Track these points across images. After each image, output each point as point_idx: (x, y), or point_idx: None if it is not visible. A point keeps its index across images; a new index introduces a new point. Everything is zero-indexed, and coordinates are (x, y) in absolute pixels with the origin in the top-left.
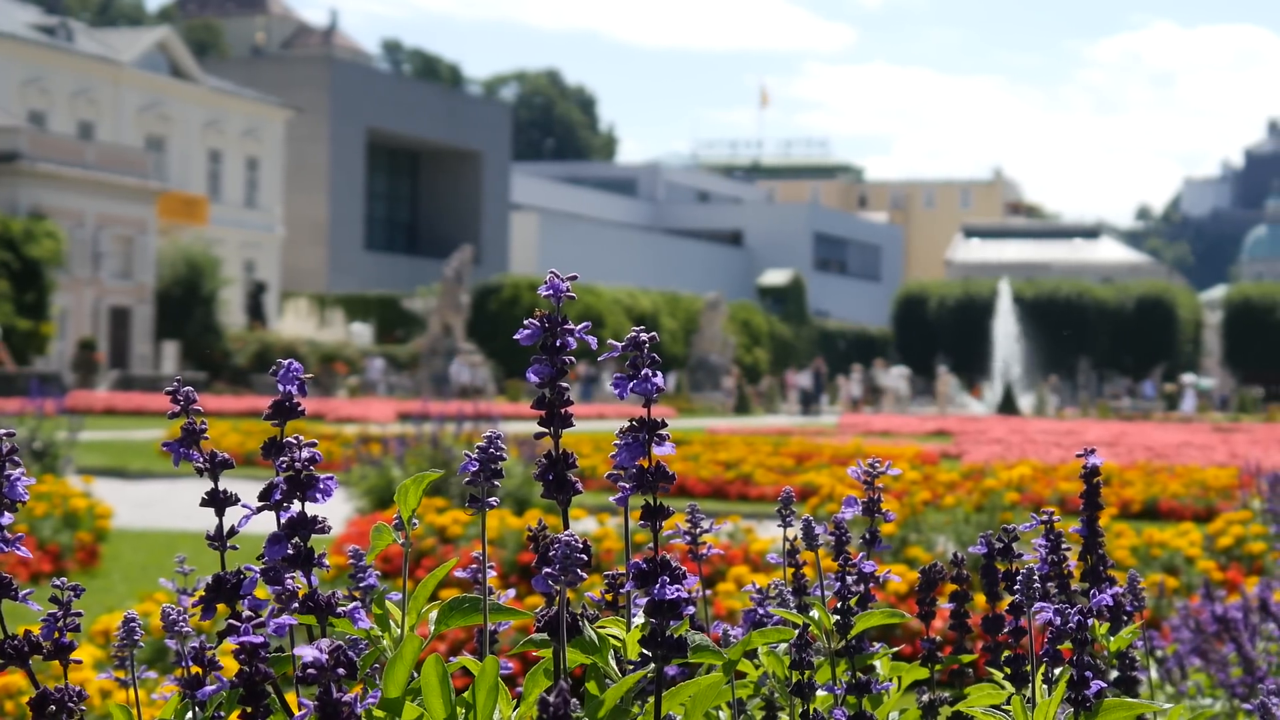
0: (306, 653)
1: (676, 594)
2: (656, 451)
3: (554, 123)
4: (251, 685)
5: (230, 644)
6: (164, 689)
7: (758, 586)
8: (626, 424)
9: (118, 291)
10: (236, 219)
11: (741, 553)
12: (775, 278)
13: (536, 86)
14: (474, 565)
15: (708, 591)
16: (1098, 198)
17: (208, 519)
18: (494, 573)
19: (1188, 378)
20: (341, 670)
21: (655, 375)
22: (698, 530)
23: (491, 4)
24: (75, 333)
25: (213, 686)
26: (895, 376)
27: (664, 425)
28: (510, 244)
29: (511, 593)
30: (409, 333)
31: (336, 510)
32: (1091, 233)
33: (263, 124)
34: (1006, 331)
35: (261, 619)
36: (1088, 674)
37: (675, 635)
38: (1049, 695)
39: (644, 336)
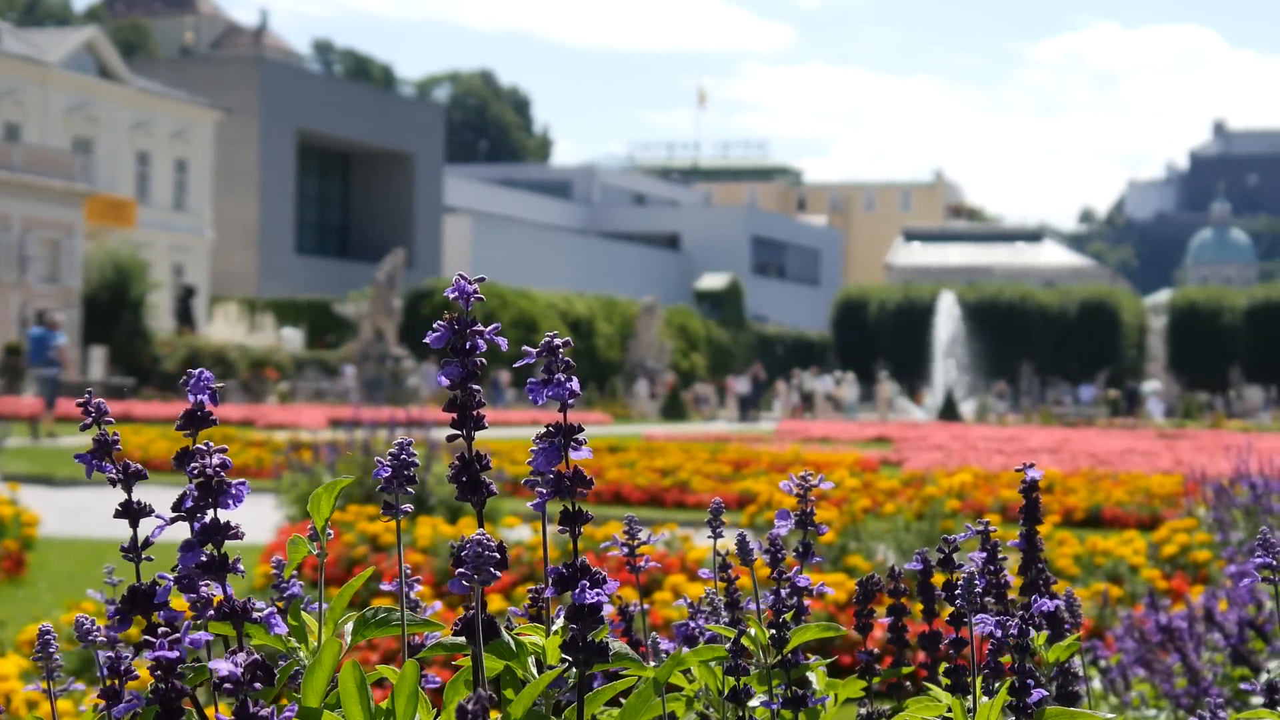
0: (221, 666)
1: (597, 598)
2: (573, 456)
3: (488, 124)
4: (167, 701)
5: (146, 658)
6: (91, 700)
7: (690, 600)
8: (543, 429)
9: (44, 295)
10: (165, 222)
11: (679, 561)
12: (712, 281)
13: (470, 87)
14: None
15: (644, 603)
16: (1040, 200)
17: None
18: (423, 584)
19: (1149, 385)
20: (258, 684)
21: (570, 380)
22: (635, 542)
23: (424, 4)
24: (0, 338)
25: (127, 704)
26: (828, 382)
27: (580, 430)
28: (443, 247)
29: (439, 605)
30: (340, 337)
31: (267, 518)
32: (1034, 236)
33: (192, 125)
34: (948, 336)
35: (177, 633)
36: (1029, 682)
37: (596, 640)
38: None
39: (558, 341)
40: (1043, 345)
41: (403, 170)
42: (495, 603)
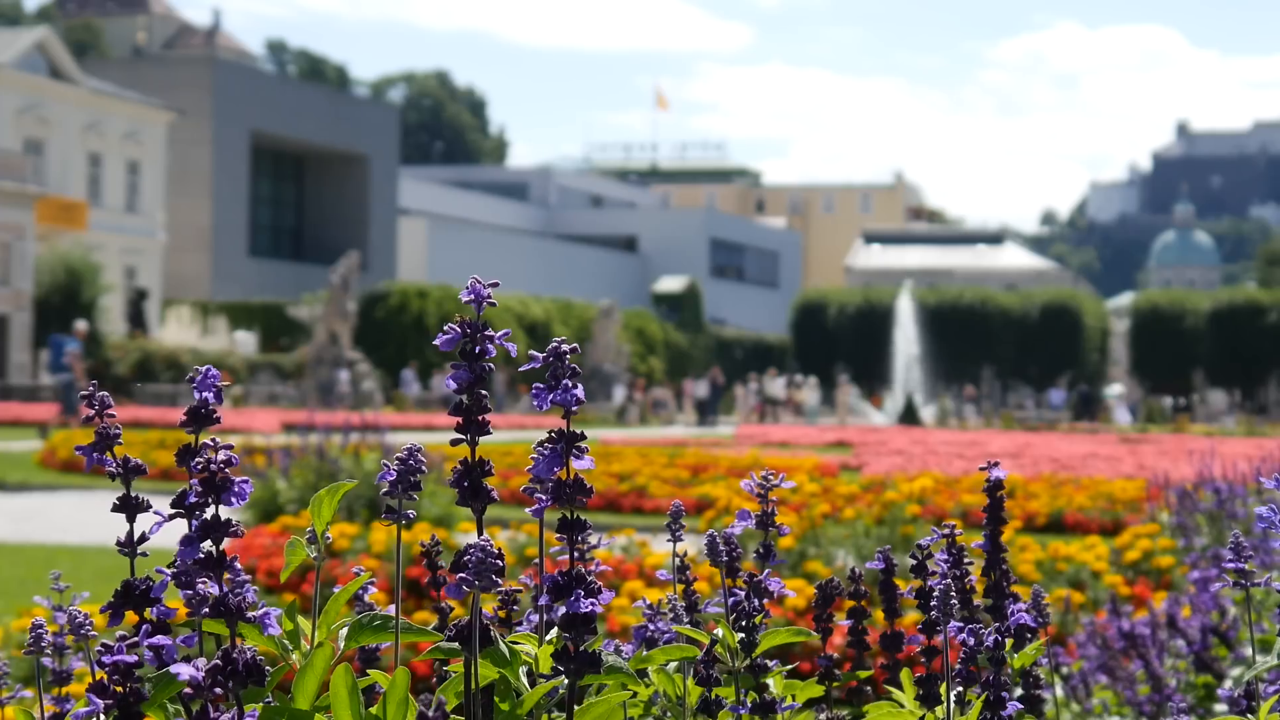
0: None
1: (591, 608)
2: (575, 464)
3: (443, 125)
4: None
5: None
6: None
7: (648, 603)
8: (545, 435)
9: None
10: (117, 224)
11: (636, 567)
12: (670, 284)
13: (425, 88)
14: (368, 583)
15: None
16: (1001, 202)
17: (88, 533)
18: (376, 589)
19: (1114, 389)
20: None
21: (575, 386)
22: (585, 546)
23: (378, 4)
24: None
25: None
26: (780, 386)
27: (583, 437)
28: (398, 250)
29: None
30: (294, 341)
31: None
32: (995, 238)
33: (144, 127)
34: (908, 340)
35: (164, 631)
36: (1004, 694)
37: (589, 650)
38: (962, 715)
39: (565, 347)
40: (1004, 349)
41: (357, 172)
42: (457, 610)
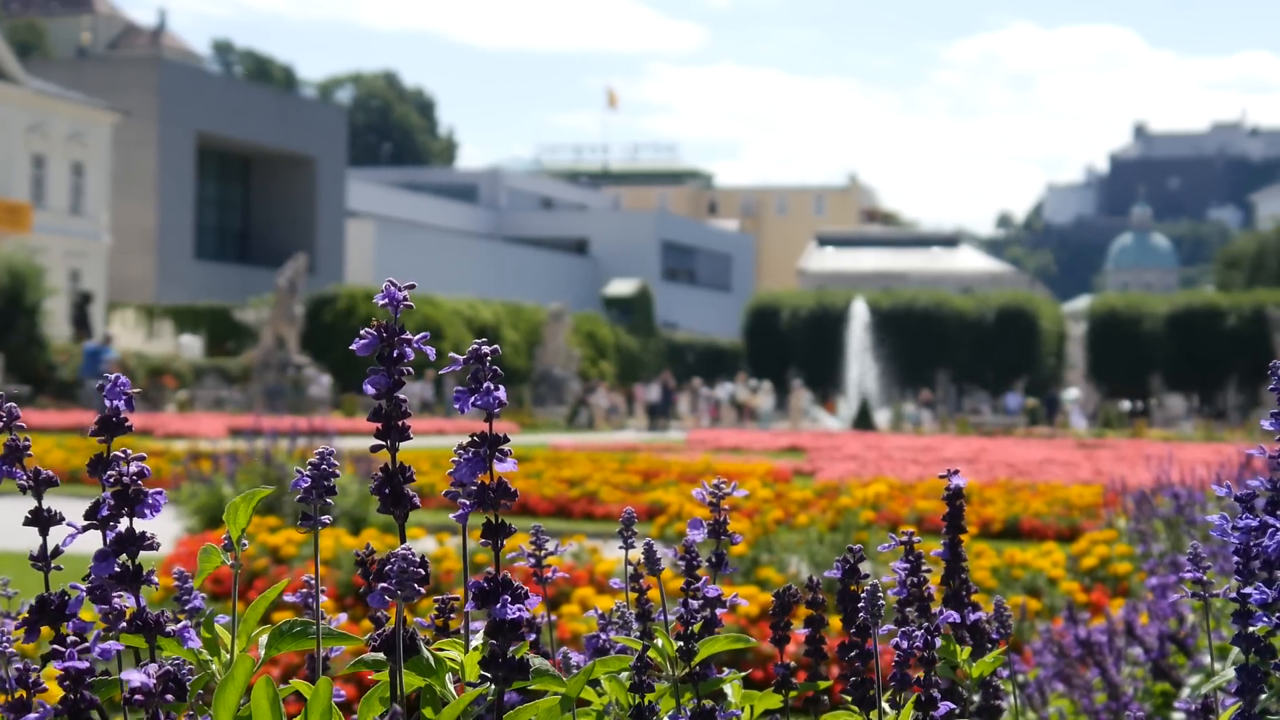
0: (134, 677)
1: (518, 614)
2: (498, 468)
3: (391, 126)
4: (77, 712)
5: (55, 668)
6: None
7: (600, 612)
8: (467, 439)
9: None
10: (61, 227)
11: (587, 574)
12: (622, 287)
13: (373, 89)
14: (302, 589)
15: (552, 616)
16: (957, 204)
17: (32, 538)
18: (327, 596)
19: (1070, 393)
20: (170, 695)
21: (497, 389)
22: (542, 552)
23: (326, 4)
24: None
25: (36, 715)
26: (729, 389)
27: (506, 440)
28: (346, 253)
29: (344, 617)
30: (240, 345)
31: (165, 529)
32: (950, 241)
33: (88, 128)
34: (862, 344)
35: (87, 643)
36: (935, 694)
37: (517, 657)
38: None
39: (486, 349)
40: (959, 353)
41: (304, 174)
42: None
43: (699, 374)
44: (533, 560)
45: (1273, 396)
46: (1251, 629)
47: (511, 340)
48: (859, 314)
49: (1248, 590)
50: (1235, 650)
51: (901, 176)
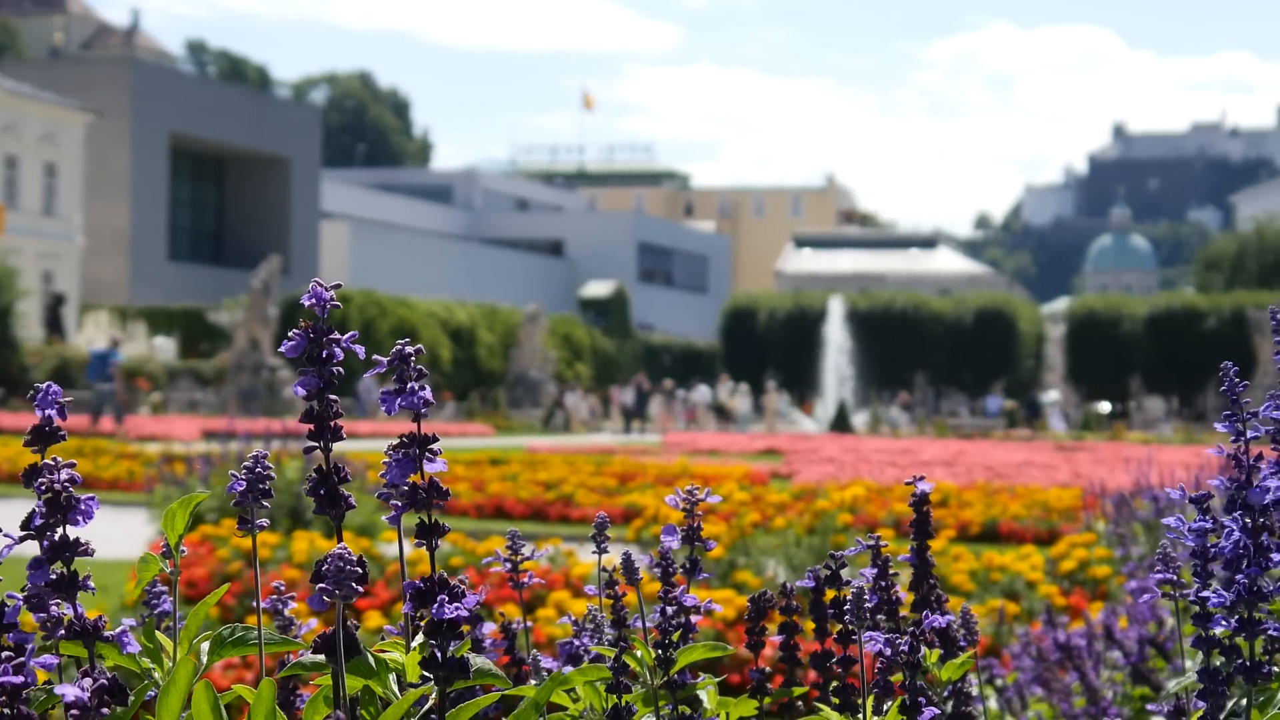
0: (68, 691)
1: (456, 613)
2: (429, 468)
3: (366, 127)
4: None
5: None
6: None
7: (574, 618)
8: (396, 440)
9: None
10: (34, 228)
11: (563, 577)
12: (598, 289)
13: (347, 89)
14: (272, 594)
15: (528, 620)
16: (935, 206)
17: None
18: (297, 601)
19: (1050, 395)
20: (106, 709)
21: (423, 389)
22: (518, 557)
23: (300, 4)
24: None
25: None
26: (705, 392)
27: (435, 440)
28: (320, 254)
29: (315, 622)
30: (214, 347)
31: (139, 532)
32: (928, 242)
33: (61, 128)
34: (839, 346)
35: (21, 657)
36: (920, 700)
37: (457, 656)
38: None
39: (410, 350)
40: (937, 355)
41: (279, 174)
42: (374, 619)
43: (676, 376)
44: (508, 565)
45: (1238, 398)
46: (1213, 631)
47: (487, 342)
48: (836, 315)
49: (1206, 593)
50: (1199, 655)
51: (879, 177)
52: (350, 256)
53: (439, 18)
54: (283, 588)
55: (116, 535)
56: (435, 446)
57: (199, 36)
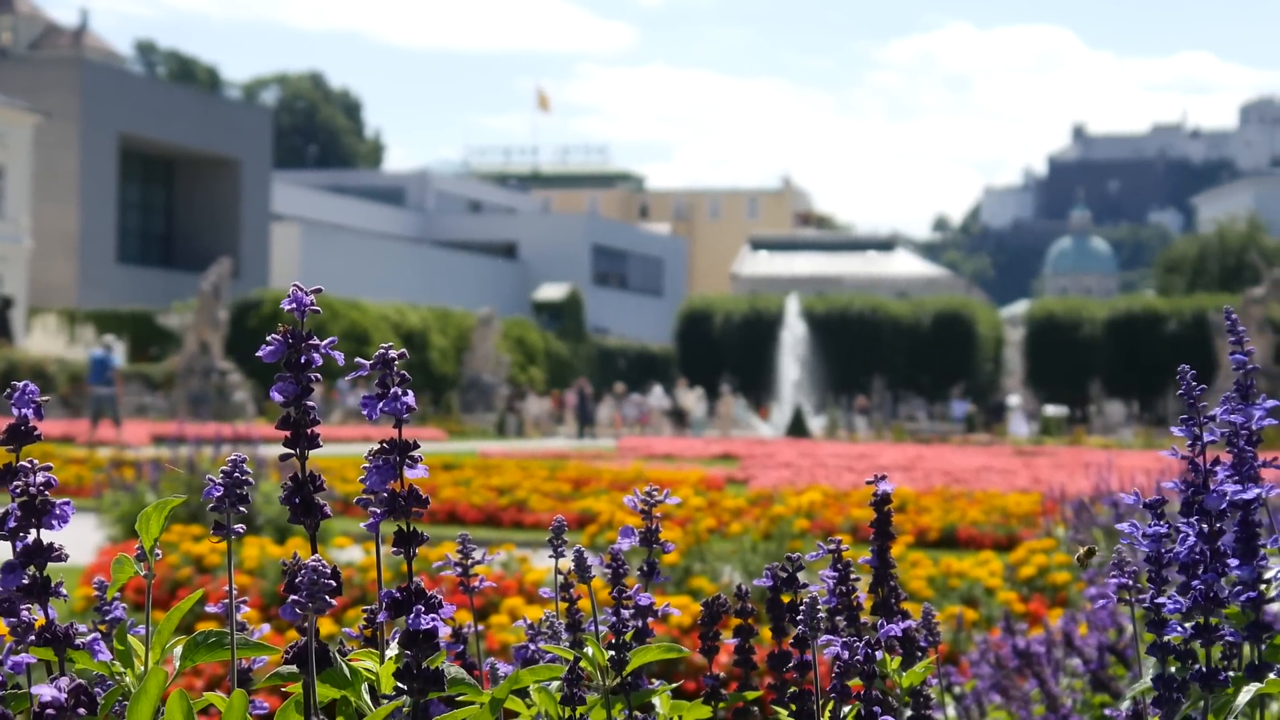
0: (44, 692)
1: (432, 623)
2: (409, 474)
3: (317, 128)
4: None
5: None
6: None
7: (529, 622)
8: (376, 446)
9: None
10: None
11: (516, 583)
12: (552, 292)
13: (298, 90)
14: (241, 601)
15: (480, 626)
16: (892, 208)
17: None
18: (250, 606)
19: (1013, 399)
20: (82, 710)
21: (405, 394)
22: (469, 561)
23: (250, 4)
24: None
25: None
26: (660, 396)
27: (416, 447)
28: (271, 257)
29: (267, 628)
30: (164, 350)
31: (88, 538)
32: (886, 245)
33: (9, 130)
34: (796, 349)
35: None
36: (876, 709)
37: (432, 667)
38: None
39: (393, 354)
40: (895, 358)
41: (228, 176)
42: (326, 626)
43: (630, 380)
44: (460, 569)
45: (1200, 401)
46: (1167, 638)
47: (439, 345)
48: (793, 319)
49: (1161, 599)
50: (1155, 662)
51: (836, 179)
52: (301, 259)
53: (391, 18)
54: (235, 592)
55: (66, 540)
56: (416, 453)
57: (148, 37)
